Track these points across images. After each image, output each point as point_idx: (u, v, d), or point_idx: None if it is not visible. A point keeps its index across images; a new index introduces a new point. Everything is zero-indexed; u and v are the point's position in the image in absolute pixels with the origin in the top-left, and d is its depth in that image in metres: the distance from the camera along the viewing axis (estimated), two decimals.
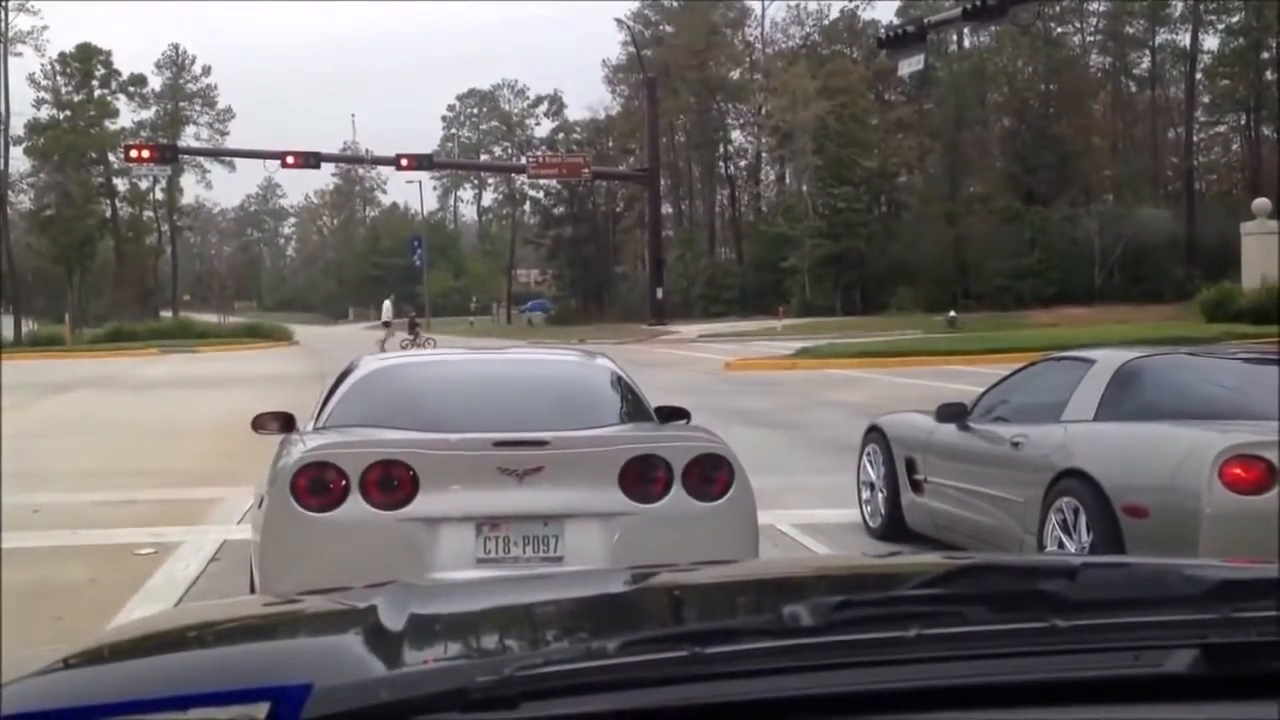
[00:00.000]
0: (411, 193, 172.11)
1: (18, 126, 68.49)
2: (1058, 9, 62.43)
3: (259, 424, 6.82)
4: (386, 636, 1.57)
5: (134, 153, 51.04)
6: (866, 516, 8.95)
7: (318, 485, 5.16)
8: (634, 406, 6.28)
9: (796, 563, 3.72)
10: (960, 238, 60.19)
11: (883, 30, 29.93)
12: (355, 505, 5.13)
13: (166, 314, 75.22)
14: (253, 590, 5.64)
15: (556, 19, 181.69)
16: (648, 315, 54.96)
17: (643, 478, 5.25)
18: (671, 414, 6.77)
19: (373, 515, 5.13)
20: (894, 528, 8.43)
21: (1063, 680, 1.32)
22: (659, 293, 54.97)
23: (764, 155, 76.87)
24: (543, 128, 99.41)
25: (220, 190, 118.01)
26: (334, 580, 4.48)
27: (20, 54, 60.20)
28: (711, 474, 5.33)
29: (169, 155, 52.71)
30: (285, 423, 6.58)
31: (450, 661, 1.57)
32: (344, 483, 5.14)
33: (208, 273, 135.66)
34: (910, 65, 28.47)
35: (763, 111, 71.50)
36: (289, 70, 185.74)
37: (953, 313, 47.33)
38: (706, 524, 5.23)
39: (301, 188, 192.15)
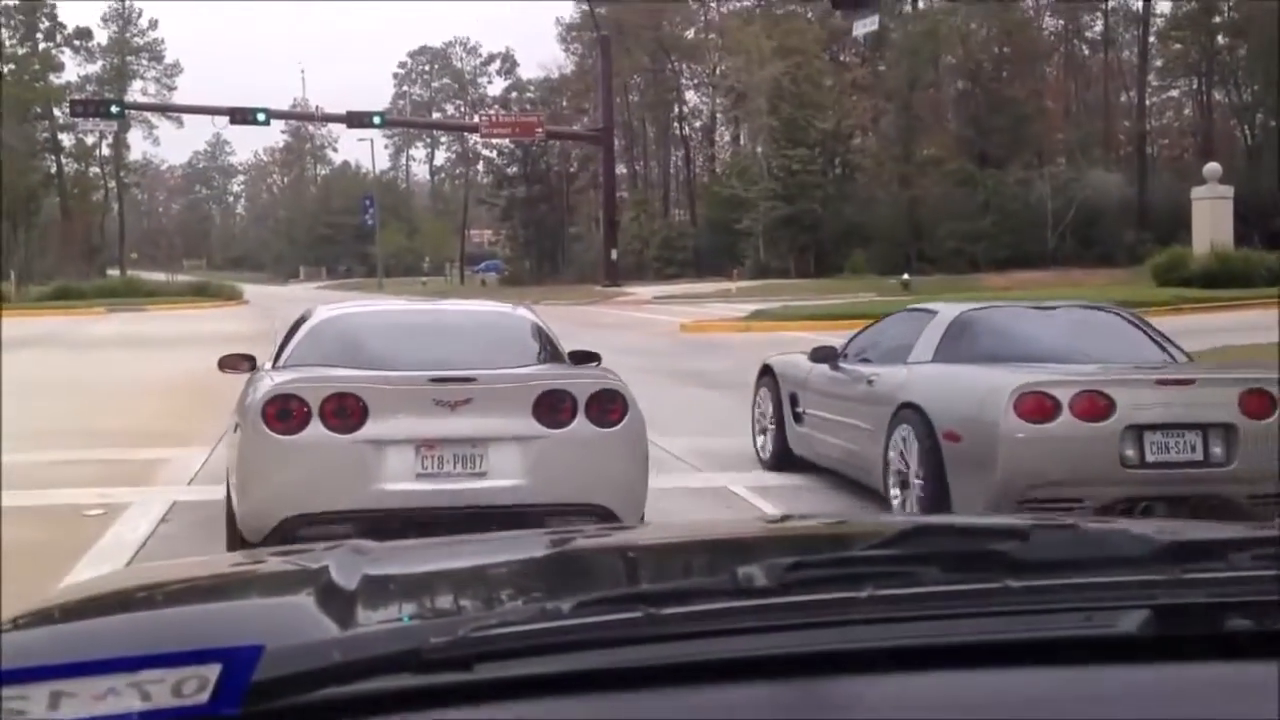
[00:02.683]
0: (363, 151, 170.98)
1: None
2: None
3: (228, 364, 7.86)
4: (339, 597, 1.57)
5: (79, 108, 50.13)
6: (759, 449, 10.13)
7: (284, 413, 6.07)
8: (549, 351, 7.32)
9: (749, 524, 3.83)
10: (914, 200, 60.32)
11: None
12: (315, 430, 6.06)
13: (115, 272, 74.25)
14: (229, 506, 6.51)
15: None
16: (602, 277, 54.85)
17: (552, 408, 6.23)
18: (585, 357, 7.84)
19: (330, 438, 6.06)
20: (782, 455, 9.71)
21: (1015, 641, 1.33)
22: (613, 254, 54.83)
23: (719, 116, 76.72)
24: (495, 86, 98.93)
25: (168, 147, 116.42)
26: (298, 491, 5.28)
27: None
28: (609, 406, 6.31)
29: (114, 110, 51.81)
30: (250, 363, 7.67)
31: (403, 623, 1.58)
32: (306, 410, 6.06)
33: (155, 230, 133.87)
34: (865, 26, 28.42)
35: (717, 72, 71.35)
36: (238, 25, 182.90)
37: (906, 275, 47.48)
38: (604, 447, 6.29)
39: (251, 145, 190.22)
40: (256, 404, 6.19)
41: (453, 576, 1.91)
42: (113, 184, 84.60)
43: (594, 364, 7.68)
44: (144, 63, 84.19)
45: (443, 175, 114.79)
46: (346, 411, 6.09)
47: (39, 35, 74.12)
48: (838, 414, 8.72)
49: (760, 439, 10.19)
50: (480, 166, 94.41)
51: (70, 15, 77.67)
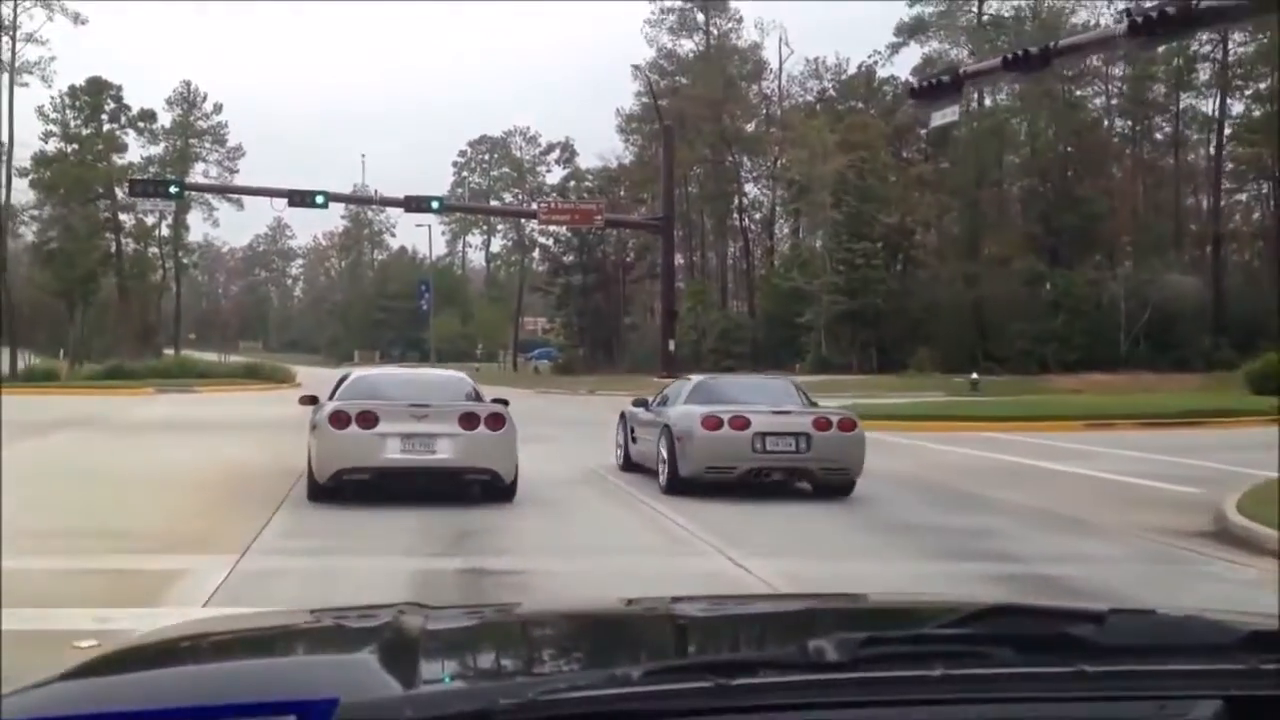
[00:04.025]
0: (420, 237, 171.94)
1: (24, 158, 67.42)
2: (1081, 69, 61.46)
3: (305, 401, 14.67)
4: (406, 654, 1.61)
5: (138, 188, 49.89)
6: (616, 459, 17.13)
7: (338, 420, 12.35)
8: (473, 394, 13.84)
9: (819, 597, 3.83)
10: (979, 298, 58.87)
11: (914, 80, 28.65)
12: (352, 428, 12.34)
13: (171, 352, 74.00)
14: (309, 467, 12.91)
15: (570, 67, 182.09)
16: (659, 367, 53.59)
17: (467, 421, 12.59)
18: (500, 401, 13.75)
19: (360, 432, 12.34)
20: (626, 462, 16.61)
21: None
22: (671, 344, 53.49)
23: (778, 209, 75.88)
24: (554, 175, 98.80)
25: (230, 230, 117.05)
26: (343, 456, 12.34)
27: (26, 84, 58.78)
28: (496, 420, 12.72)
29: (173, 190, 51.55)
30: (315, 400, 14.12)
31: (471, 682, 1.67)
32: (348, 418, 12.36)
33: (213, 311, 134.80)
34: (944, 117, 27.21)
35: (778, 164, 70.55)
36: (300, 112, 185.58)
37: (975, 375, 46.06)
38: (492, 440, 12.60)
39: (310, 229, 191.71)
40: (325, 415, 12.70)
41: (515, 638, 2.03)
42: (170, 264, 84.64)
43: (503, 403, 13.62)
44: (207, 145, 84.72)
45: (498, 262, 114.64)
46: (367, 419, 12.55)
47: (104, 116, 74.59)
48: (645, 435, 15.66)
49: (618, 452, 17.32)
50: (536, 254, 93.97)
51: (135, 98, 77.86)
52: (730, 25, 77.59)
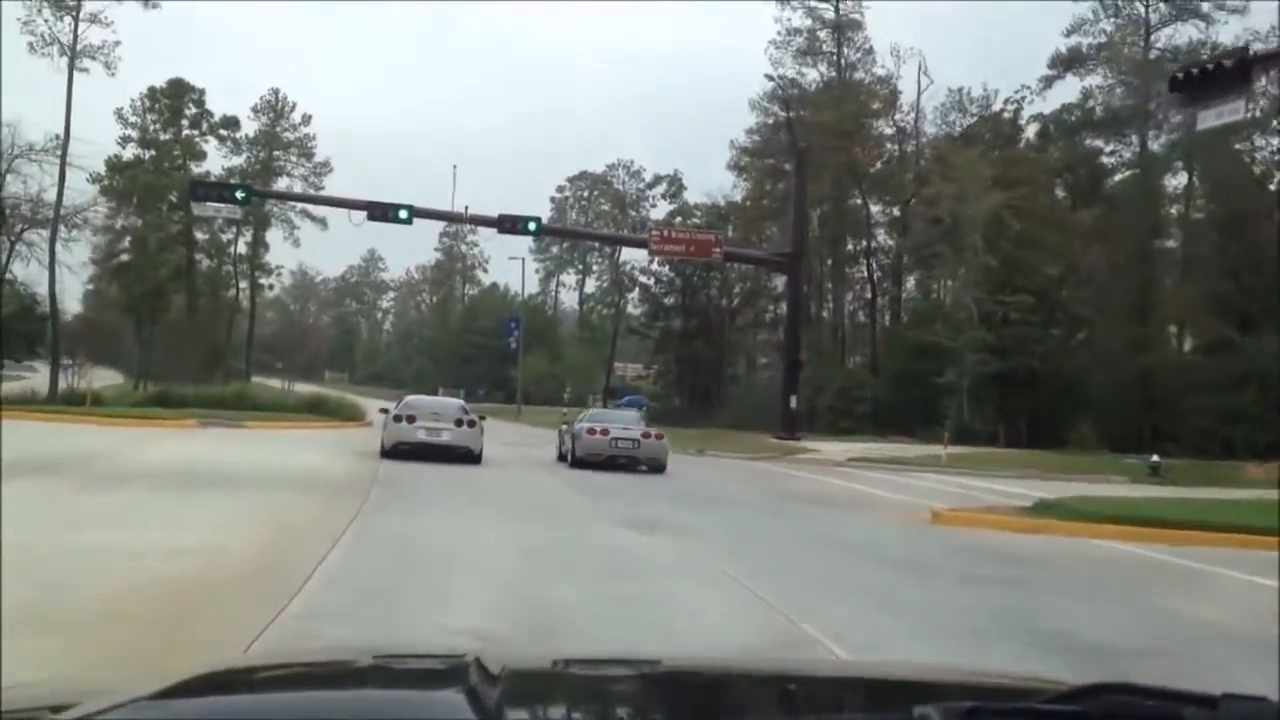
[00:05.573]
0: (513, 273, 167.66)
1: (96, 163, 61.87)
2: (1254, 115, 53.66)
3: (382, 410, 30.08)
4: (502, 694, 1.70)
5: (200, 190, 44.20)
6: (559, 455, 30.90)
7: (396, 419, 27.69)
8: (464, 410, 29.00)
9: (916, 666, 3.55)
10: (1149, 365, 50.97)
11: (1177, 70, 21.67)
12: (404, 422, 27.44)
13: (240, 378, 68.33)
14: (382, 444, 27.39)
15: (677, 99, 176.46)
16: (777, 428, 46.54)
17: (460, 422, 27.71)
18: (479, 416, 29.02)
19: (406, 425, 27.36)
20: (564, 458, 29.81)
21: None
22: (793, 401, 46.44)
23: (905, 257, 68.47)
24: (659, 210, 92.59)
25: (322, 258, 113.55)
26: (398, 438, 27.34)
27: (86, 70, 52.54)
28: (473, 423, 27.80)
29: (239, 195, 45.67)
30: (387, 410, 29.08)
31: None
32: (401, 418, 27.64)
33: (301, 339, 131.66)
34: (1220, 115, 20.15)
35: (911, 204, 63.28)
36: (393, 134, 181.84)
37: (1155, 457, 38.60)
38: (471, 433, 27.49)
39: (403, 262, 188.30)
40: (390, 415, 27.94)
41: (592, 690, 2.03)
42: (244, 284, 79.06)
43: (480, 417, 28.86)
44: (293, 159, 79.07)
45: (592, 303, 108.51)
46: (410, 419, 27.45)
47: (184, 121, 69.41)
48: (568, 439, 29.68)
49: (559, 452, 30.95)
50: (635, 294, 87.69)
51: (218, 104, 72.46)
52: (858, 55, 70.96)
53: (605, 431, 27.96)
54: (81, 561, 10.01)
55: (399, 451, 26.20)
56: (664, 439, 28.79)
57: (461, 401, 31.30)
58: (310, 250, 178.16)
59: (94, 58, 51.52)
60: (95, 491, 16.12)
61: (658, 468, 27.90)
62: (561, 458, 29.80)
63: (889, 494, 25.70)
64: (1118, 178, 61.66)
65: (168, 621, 8.03)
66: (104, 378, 64.21)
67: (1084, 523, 18.87)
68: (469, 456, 26.50)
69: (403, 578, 10.42)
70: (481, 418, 28.37)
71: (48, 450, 22.04)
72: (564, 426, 31.50)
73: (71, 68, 50.91)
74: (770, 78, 66.41)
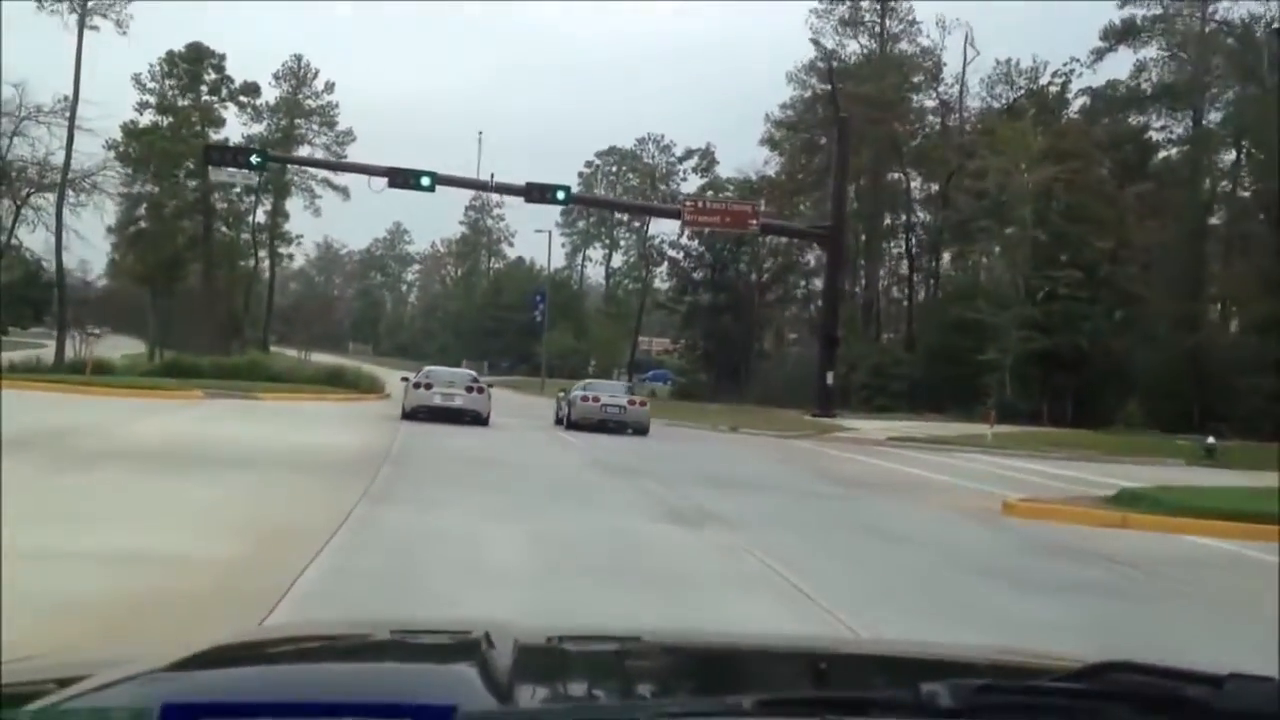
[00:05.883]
0: (539, 247, 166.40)
1: (109, 127, 60.01)
2: None
3: (404, 379, 32.92)
4: (515, 669, 1.66)
5: (215, 154, 42.34)
6: (556, 420, 34.46)
7: (416, 385, 30.94)
8: (474, 379, 32.83)
9: (927, 645, 3.27)
10: (1200, 344, 48.66)
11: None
12: (423, 389, 30.69)
13: (258, 348, 66.65)
14: (403, 407, 30.44)
15: (707, 74, 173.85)
16: (813, 405, 44.54)
17: (468, 389, 31.14)
18: (485, 383, 33.14)
19: (425, 391, 30.60)
20: (560, 422, 33.59)
21: None
22: (829, 377, 44.37)
23: (943, 231, 66.19)
24: (689, 184, 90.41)
25: (348, 231, 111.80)
26: (418, 403, 30.67)
27: (97, 27, 50.42)
28: (481, 388, 31.64)
29: (255, 160, 43.79)
30: (408, 379, 32.10)
31: (580, 701, 1.69)
32: (420, 384, 30.95)
33: (326, 310, 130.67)
34: None
35: (953, 178, 60.98)
36: (418, 106, 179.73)
37: (1211, 439, 36.51)
38: (479, 399, 30.86)
39: (429, 235, 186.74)
40: (411, 382, 31.21)
41: (613, 664, 2.00)
42: (264, 254, 77.14)
43: (488, 384, 33.28)
44: (314, 128, 76.96)
45: (619, 277, 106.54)
46: (428, 386, 30.72)
47: (203, 87, 67.51)
48: (565, 405, 33.58)
49: (556, 417, 34.75)
50: (663, 269, 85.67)
51: (239, 70, 70.29)
52: (902, 26, 68.54)
53: (596, 399, 32.31)
54: (12, 566, 8.12)
55: (418, 414, 29.60)
56: (646, 405, 33.63)
57: (473, 372, 36.60)
58: (335, 222, 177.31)
59: (105, 15, 49.71)
60: (61, 473, 14.29)
61: (641, 430, 31.87)
62: (558, 421, 33.66)
63: (942, 477, 23.79)
64: (1162, 154, 59.40)
65: (82, 659, 6.11)
66: (126, 347, 62.68)
67: (1177, 517, 16.84)
68: (478, 419, 30.11)
69: (400, 594, 8.53)
70: (490, 385, 33.45)
71: (25, 423, 20.19)
72: (561, 394, 35.93)
73: (81, 25, 49.18)
74: (815, 42, 63.92)
